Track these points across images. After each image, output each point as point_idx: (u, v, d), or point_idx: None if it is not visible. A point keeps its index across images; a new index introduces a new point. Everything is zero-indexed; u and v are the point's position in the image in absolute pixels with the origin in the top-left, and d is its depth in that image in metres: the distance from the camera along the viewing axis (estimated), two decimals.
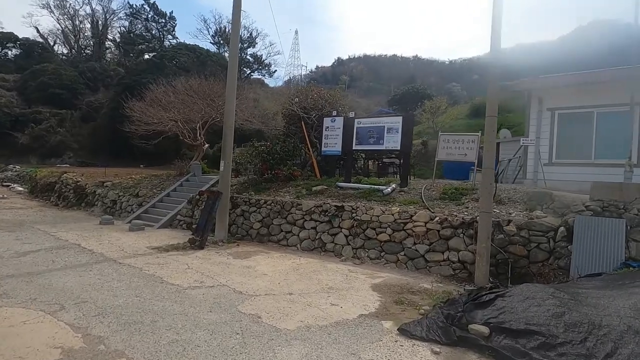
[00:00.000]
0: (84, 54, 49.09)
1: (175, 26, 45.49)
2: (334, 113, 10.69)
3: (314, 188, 9.75)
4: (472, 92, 44.56)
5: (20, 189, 20.04)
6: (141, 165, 26.50)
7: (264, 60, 38.28)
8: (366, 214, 7.95)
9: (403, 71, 68.13)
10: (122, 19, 46.89)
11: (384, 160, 13.04)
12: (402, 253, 7.29)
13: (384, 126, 9.57)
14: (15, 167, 26.42)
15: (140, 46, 46.05)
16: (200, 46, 38.13)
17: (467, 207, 7.52)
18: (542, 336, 3.71)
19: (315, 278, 6.30)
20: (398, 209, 7.69)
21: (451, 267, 6.77)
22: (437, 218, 7.13)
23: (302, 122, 11.22)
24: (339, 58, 79.00)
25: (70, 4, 45.36)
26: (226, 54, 38.95)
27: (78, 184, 15.30)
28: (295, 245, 8.70)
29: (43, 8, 45.76)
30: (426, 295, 5.51)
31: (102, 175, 16.30)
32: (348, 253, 7.87)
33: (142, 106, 14.43)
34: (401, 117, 9.38)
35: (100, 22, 48.88)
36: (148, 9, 43.24)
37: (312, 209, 8.69)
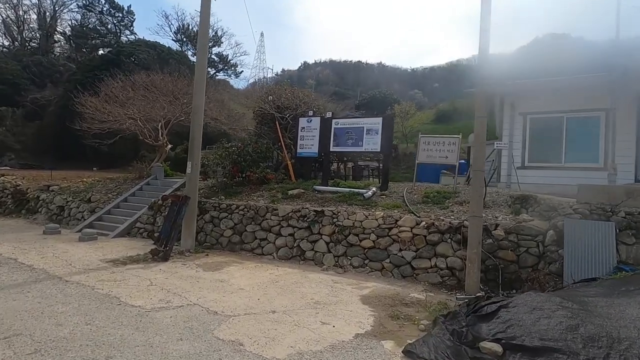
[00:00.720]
0: (29, 47, 44.81)
1: (133, 21, 42.83)
2: (310, 113, 10.13)
3: (289, 192, 9.11)
4: (433, 99, 46.12)
5: None
6: (94, 168, 24.35)
7: (230, 60, 36.95)
8: (348, 219, 7.44)
9: (368, 77, 69.15)
10: (73, 11, 43.43)
11: (359, 163, 12.66)
12: (388, 260, 6.84)
13: (364, 127, 9.15)
14: None
15: (94, 41, 42.78)
16: (161, 43, 36.14)
17: (452, 211, 7.24)
18: (562, 354, 3.36)
19: (298, 291, 5.67)
20: (382, 213, 7.26)
21: (439, 274, 6.42)
22: (424, 223, 6.77)
23: (276, 122, 10.54)
24: (305, 62, 78.60)
25: None
26: (189, 52, 37.28)
27: (18, 188, 13.49)
28: (271, 253, 7.99)
29: None
30: (421, 307, 5.07)
31: (48, 178, 14.56)
32: (329, 261, 7.31)
33: (96, 102, 13.00)
34: (381, 118, 9.02)
35: (48, 14, 44.94)
36: (103, 2, 40.35)
37: (290, 214, 8.04)
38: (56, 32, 44.41)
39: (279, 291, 5.63)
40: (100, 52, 40.40)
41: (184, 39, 37.76)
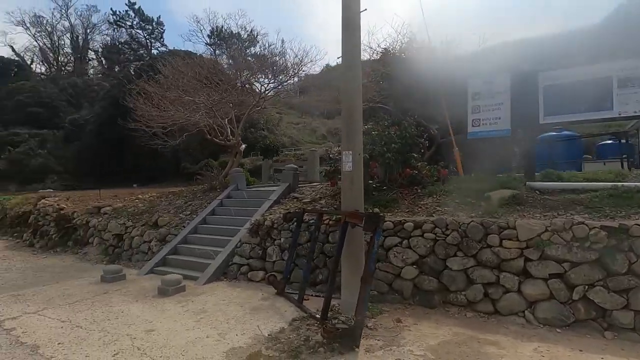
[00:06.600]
0: (65, 71, 43.29)
1: (163, 32, 40.40)
2: None
3: (488, 194, 5.24)
4: None
5: None
6: (134, 185, 21.32)
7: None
8: None
9: None
10: (103, 33, 41.42)
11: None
12: None
13: (611, 77, 5.20)
14: None
15: (126, 56, 40.63)
16: (192, 51, 33.27)
17: None
18: None
19: None
20: None
21: None
22: None
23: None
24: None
25: (46, 20, 39.64)
26: (223, 57, 34.11)
27: (61, 212, 10.20)
28: (516, 312, 4.12)
29: (18, 25, 39.92)
30: None
31: (96, 198, 11.29)
32: None
33: (155, 89, 9.54)
34: None
35: (80, 37, 43.30)
36: (133, 15, 38.10)
37: (542, 237, 4.15)
38: (89, 50, 42.59)
39: None
40: (133, 66, 38.18)
41: (218, 42, 34.65)
